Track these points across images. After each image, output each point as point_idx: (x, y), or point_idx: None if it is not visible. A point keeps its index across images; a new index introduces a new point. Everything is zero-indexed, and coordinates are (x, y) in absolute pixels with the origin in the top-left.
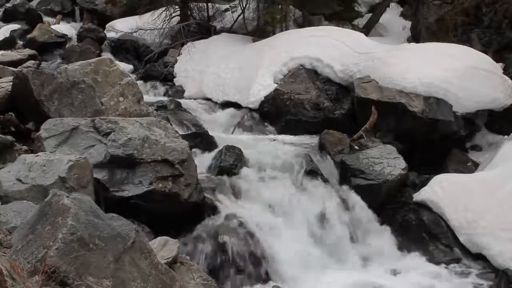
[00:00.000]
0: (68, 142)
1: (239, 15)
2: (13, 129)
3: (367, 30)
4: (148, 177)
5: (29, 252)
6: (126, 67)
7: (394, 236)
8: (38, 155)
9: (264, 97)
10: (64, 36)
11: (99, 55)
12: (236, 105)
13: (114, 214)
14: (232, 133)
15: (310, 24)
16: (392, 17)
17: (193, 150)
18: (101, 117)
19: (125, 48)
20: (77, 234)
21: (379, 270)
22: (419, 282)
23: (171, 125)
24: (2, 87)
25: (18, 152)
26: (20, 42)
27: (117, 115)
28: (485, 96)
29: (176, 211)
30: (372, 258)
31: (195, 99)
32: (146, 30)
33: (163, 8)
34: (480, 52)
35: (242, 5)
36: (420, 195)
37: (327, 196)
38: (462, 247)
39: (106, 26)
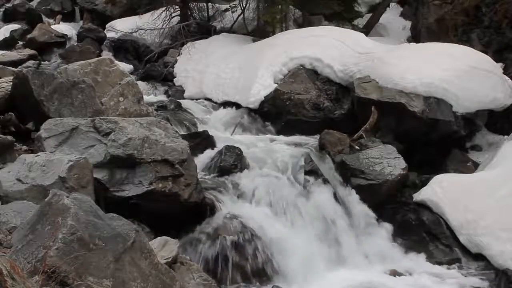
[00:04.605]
0: (68, 142)
1: (239, 15)
2: (13, 129)
3: (367, 30)
4: (148, 177)
5: (29, 252)
6: (126, 67)
7: (394, 236)
8: (38, 155)
9: (264, 97)
10: (64, 36)
11: (99, 55)
12: (236, 105)
13: (114, 214)
14: (232, 133)
15: (310, 24)
16: (392, 17)
17: (193, 150)
18: (101, 117)
19: (125, 48)
20: (77, 234)
21: (379, 270)
22: (419, 282)
23: (171, 125)
24: (2, 87)
25: (18, 152)
26: (20, 42)
27: (117, 115)
28: (485, 96)
29: (176, 211)
30: (372, 258)
31: (195, 99)
32: (146, 30)
33: (163, 8)
34: (480, 52)
35: (242, 5)
36: (420, 195)
37: (327, 196)
38: (462, 247)
39: (106, 26)
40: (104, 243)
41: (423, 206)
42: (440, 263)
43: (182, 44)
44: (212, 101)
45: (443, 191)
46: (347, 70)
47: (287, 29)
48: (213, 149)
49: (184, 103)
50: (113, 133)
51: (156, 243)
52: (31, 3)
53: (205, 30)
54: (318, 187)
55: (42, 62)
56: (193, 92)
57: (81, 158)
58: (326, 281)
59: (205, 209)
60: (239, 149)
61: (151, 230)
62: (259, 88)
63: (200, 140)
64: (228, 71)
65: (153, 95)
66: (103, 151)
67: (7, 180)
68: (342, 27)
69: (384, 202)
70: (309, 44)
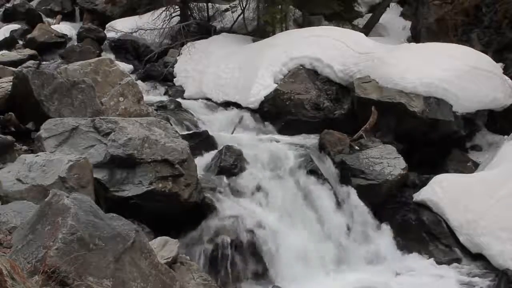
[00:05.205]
0: (68, 142)
1: (239, 15)
2: (13, 129)
3: (367, 30)
4: (148, 177)
5: (29, 252)
6: (126, 67)
7: (394, 236)
8: (38, 155)
9: (264, 97)
10: (64, 36)
11: (99, 55)
12: (236, 105)
13: (114, 214)
14: (232, 133)
15: (310, 24)
16: (392, 17)
17: (193, 150)
18: (101, 117)
19: (125, 48)
20: (77, 234)
21: (379, 270)
22: (419, 282)
23: (171, 125)
24: (2, 87)
25: (18, 152)
26: (20, 42)
27: (117, 115)
28: (485, 96)
29: (176, 211)
30: (372, 258)
31: (195, 99)
32: (146, 30)
33: (163, 8)
34: (480, 52)
35: (242, 5)
36: (420, 195)
37: (327, 196)
38: (462, 247)
39: (106, 26)
40: (104, 243)
41: (423, 206)
42: (440, 263)
43: (182, 44)
44: (212, 101)
45: (443, 191)
46: (347, 70)
47: (287, 29)
48: (213, 149)
49: (184, 103)
50: (113, 133)
51: (156, 243)
52: (31, 3)
53: (205, 30)
54: (318, 187)
55: (42, 62)
56: (193, 92)
57: (81, 158)
58: (326, 281)
59: (205, 209)
60: (239, 149)
61: (151, 230)
62: (259, 88)
63: (200, 140)
64: (228, 71)
65: (153, 95)
66: (103, 151)
67: (7, 180)
68: (342, 27)
69: (384, 202)
70: (309, 44)
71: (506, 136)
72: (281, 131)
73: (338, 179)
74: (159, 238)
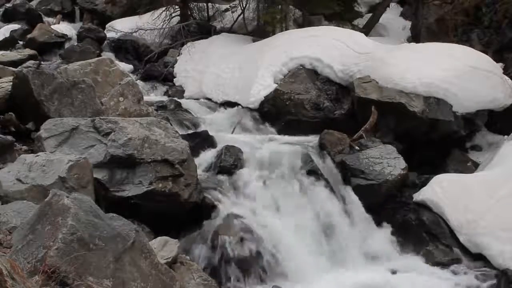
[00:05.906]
0: (68, 142)
1: (239, 15)
2: (13, 129)
3: (367, 30)
4: (148, 177)
5: (29, 252)
6: (126, 67)
7: (394, 236)
8: (38, 155)
9: (264, 97)
10: (64, 36)
11: (99, 55)
12: (236, 105)
13: (114, 214)
14: (232, 133)
15: (310, 24)
16: (392, 17)
17: (193, 150)
18: (101, 117)
19: (125, 48)
20: (77, 234)
21: (379, 270)
22: (419, 282)
23: (171, 125)
24: (2, 87)
25: (18, 152)
26: (20, 42)
27: (117, 115)
28: (485, 96)
29: (176, 211)
30: (372, 258)
31: (195, 99)
32: (146, 30)
33: (163, 8)
34: (480, 52)
35: (242, 5)
36: (420, 195)
37: (327, 196)
38: (462, 247)
39: (106, 26)
40: (104, 243)
41: (423, 206)
42: (440, 263)
43: (182, 44)
44: (212, 101)
45: (443, 191)
46: (347, 70)
47: (287, 29)
48: (213, 149)
49: (184, 103)
50: (113, 133)
51: (156, 243)
52: (31, 3)
53: (205, 30)
54: (318, 187)
55: (42, 62)
56: (193, 92)
57: (81, 158)
58: (326, 281)
59: (205, 209)
60: (239, 149)
61: (151, 230)
62: (259, 88)
63: (200, 140)
64: (228, 71)
65: (153, 95)
66: (103, 151)
67: (7, 180)
68: (342, 27)
69: (384, 202)
70: (309, 44)
71: (506, 136)
72: (281, 131)
73: (338, 179)
74: (159, 238)
